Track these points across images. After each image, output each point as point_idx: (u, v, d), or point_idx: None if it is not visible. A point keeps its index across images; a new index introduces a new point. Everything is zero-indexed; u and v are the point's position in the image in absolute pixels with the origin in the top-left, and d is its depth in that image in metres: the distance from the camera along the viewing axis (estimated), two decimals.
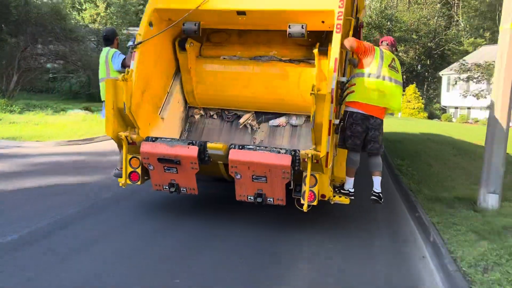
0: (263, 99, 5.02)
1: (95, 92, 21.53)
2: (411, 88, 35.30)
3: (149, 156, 3.97)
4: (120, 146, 4.17)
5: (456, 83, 16.43)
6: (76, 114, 14.17)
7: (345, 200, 4.10)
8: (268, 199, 3.92)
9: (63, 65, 23.40)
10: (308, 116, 4.84)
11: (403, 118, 28.89)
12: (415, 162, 8.38)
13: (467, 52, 41.41)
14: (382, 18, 40.50)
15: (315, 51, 4.51)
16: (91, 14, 27.29)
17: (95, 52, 24.49)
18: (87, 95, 21.65)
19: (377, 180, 4.27)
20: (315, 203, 3.77)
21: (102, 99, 4.69)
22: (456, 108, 35.86)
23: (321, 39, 4.76)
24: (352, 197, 4.17)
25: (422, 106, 35.22)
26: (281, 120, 5.15)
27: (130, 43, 4.30)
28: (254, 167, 3.78)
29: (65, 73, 21.34)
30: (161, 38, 4.51)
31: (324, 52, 4.51)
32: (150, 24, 4.34)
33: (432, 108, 38.55)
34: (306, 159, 3.65)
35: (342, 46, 3.94)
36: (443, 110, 37.68)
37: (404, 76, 50.86)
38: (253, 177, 3.83)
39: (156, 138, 4.09)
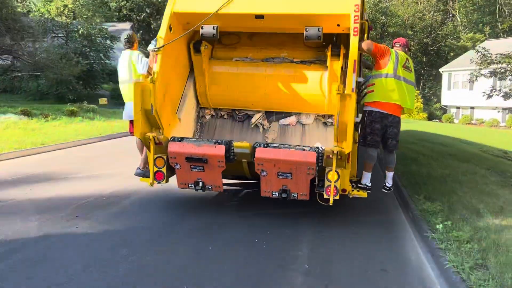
0: (275, 99, 5.67)
1: (63, 92, 21.73)
2: None
3: (177, 156, 4.48)
4: (147, 147, 4.68)
5: (476, 79, 14.93)
6: (4, 120, 12.45)
7: (363, 194, 4.68)
8: (292, 195, 4.46)
9: (12, 62, 23.20)
10: (317, 115, 5.70)
11: (403, 120, 27.58)
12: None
13: (465, 48, 42.74)
14: (376, 11, 41.93)
15: (328, 53, 5.21)
16: (57, 6, 27.32)
17: (64, 48, 24.61)
18: (54, 96, 21.76)
19: (390, 175, 5.09)
20: (337, 197, 4.33)
21: (125, 101, 5.32)
22: (458, 108, 35.38)
23: (332, 41, 5.42)
24: (369, 191, 4.82)
25: (421, 106, 35.23)
26: (291, 119, 5.79)
27: (152, 46, 4.82)
28: (280, 164, 4.32)
29: (31, 72, 21.32)
30: (177, 41, 5.03)
31: (336, 53, 5.22)
32: (170, 28, 4.85)
33: (432, 108, 38.83)
34: (331, 156, 4.18)
35: (360, 48, 4.53)
36: (444, 110, 37.61)
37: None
38: (279, 173, 4.37)
39: (182, 138, 4.61)
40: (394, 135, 4.91)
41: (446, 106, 37.07)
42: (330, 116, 5.64)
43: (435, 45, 45.42)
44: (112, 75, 25.64)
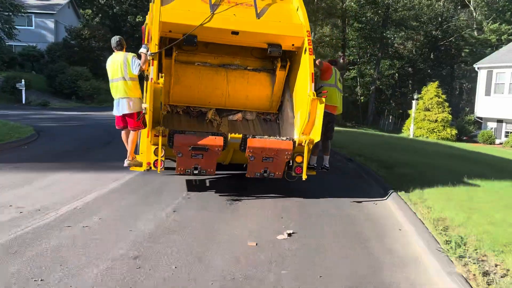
0: (229, 99, 6.96)
1: None
2: (432, 88, 25.88)
3: (181, 145, 5.38)
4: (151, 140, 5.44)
5: None
6: None
7: (313, 172, 6.44)
8: (270, 174, 5.86)
9: None
10: (258, 113, 7.25)
11: (424, 141, 20.50)
12: None
13: (488, 43, 35.94)
14: None
15: (278, 64, 6.77)
16: None
17: None
18: None
19: (327, 158, 6.98)
20: (304, 175, 5.85)
21: (116, 97, 5.94)
22: (500, 121, 24.59)
23: (278, 55, 6.65)
24: (315, 170, 6.64)
25: (450, 117, 25.31)
26: (238, 116, 7.17)
27: (143, 49, 5.57)
28: (266, 151, 5.64)
29: None
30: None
31: (283, 65, 6.81)
32: (161, 37, 5.73)
33: (461, 121, 27.85)
34: (303, 144, 5.73)
35: (315, 65, 6.21)
36: (478, 123, 26.75)
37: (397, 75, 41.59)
38: (263, 158, 5.69)
39: (183, 131, 5.60)
40: (332, 128, 6.93)
41: (480, 118, 26.12)
42: (268, 114, 7.31)
43: (447, 38, 39.13)
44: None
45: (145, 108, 5.45)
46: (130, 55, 5.90)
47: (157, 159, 5.48)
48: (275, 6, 6.50)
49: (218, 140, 5.51)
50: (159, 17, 5.68)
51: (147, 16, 6.55)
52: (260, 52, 6.88)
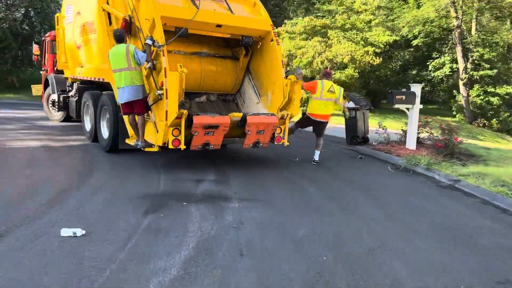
0: (200, 83, 7.82)
1: None
2: None
3: (198, 125, 6.26)
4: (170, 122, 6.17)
5: None
6: None
7: (287, 143, 7.79)
8: (260, 144, 7.16)
9: None
10: (220, 94, 8.36)
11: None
12: None
13: None
14: None
15: (243, 52, 7.99)
16: None
17: None
18: None
19: (317, 153, 8.36)
20: (281, 142, 7.58)
21: (121, 86, 6.54)
22: None
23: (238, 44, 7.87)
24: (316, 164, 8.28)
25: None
26: (203, 98, 8.16)
27: (149, 41, 6.21)
28: (260, 125, 6.88)
29: None
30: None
31: (246, 54, 8.04)
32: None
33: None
34: (284, 117, 7.31)
35: (302, 87, 7.71)
36: None
37: None
38: (257, 131, 6.91)
39: (198, 113, 6.59)
40: (322, 130, 8.38)
41: None
42: (227, 95, 8.44)
43: None
44: None
45: (160, 94, 6.20)
46: (132, 47, 6.48)
47: (175, 138, 6.32)
48: (243, 2, 7.94)
49: (226, 119, 6.51)
50: (160, 11, 6.48)
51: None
52: (222, 41, 8.24)
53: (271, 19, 7.84)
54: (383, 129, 10.56)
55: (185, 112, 6.14)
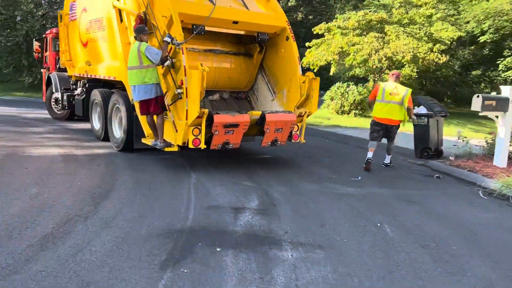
0: (214, 80, 7.49)
1: None
2: None
3: (218, 124, 6.07)
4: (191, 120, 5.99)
5: None
6: None
7: (303, 140, 7.57)
8: (278, 142, 6.96)
9: None
10: (232, 92, 8.20)
11: None
12: None
13: None
14: None
15: (257, 49, 7.87)
16: None
17: None
18: None
19: (389, 157, 8.18)
20: (298, 140, 7.40)
21: (134, 84, 6.34)
22: None
23: (253, 41, 7.80)
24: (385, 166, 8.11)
25: None
26: (216, 96, 8.00)
27: (168, 39, 6.00)
28: (279, 123, 6.72)
29: None
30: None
31: (261, 51, 7.89)
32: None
33: None
34: (302, 114, 7.12)
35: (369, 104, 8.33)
36: None
37: None
38: (275, 130, 6.73)
39: (218, 112, 6.33)
40: (389, 133, 7.96)
41: None
42: (239, 92, 8.28)
43: None
44: None
45: (180, 93, 6.05)
46: (144, 45, 6.18)
47: (195, 138, 6.12)
48: None
49: (246, 117, 6.38)
50: (178, 8, 6.33)
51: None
52: (234, 37, 8.02)
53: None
54: (463, 140, 8.74)
55: (206, 111, 5.97)
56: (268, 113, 6.71)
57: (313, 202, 5.57)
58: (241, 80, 8.08)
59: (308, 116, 7.30)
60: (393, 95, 7.58)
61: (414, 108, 8.66)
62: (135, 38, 6.36)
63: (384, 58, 15.90)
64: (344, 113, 17.34)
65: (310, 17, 41.94)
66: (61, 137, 9.49)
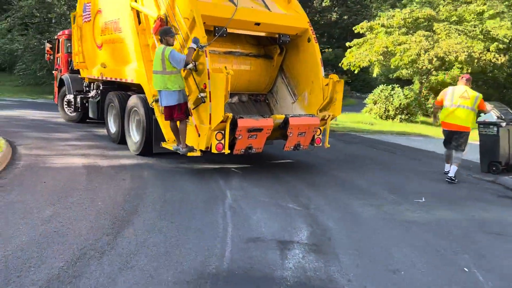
0: (234, 83, 6.74)
1: None
2: None
3: (242, 129, 5.91)
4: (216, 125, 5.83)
5: None
6: None
7: (327, 145, 7.29)
8: (301, 147, 6.75)
9: None
10: (251, 94, 7.99)
11: None
12: None
13: None
14: None
15: (277, 51, 7.70)
16: None
17: None
18: None
19: (454, 169, 7.20)
20: (320, 144, 7.14)
21: (158, 89, 6.13)
22: None
23: (273, 43, 7.79)
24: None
25: None
26: (235, 98, 7.72)
27: (194, 45, 5.77)
28: (302, 127, 6.49)
29: None
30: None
31: (281, 53, 7.71)
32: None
33: None
34: (326, 118, 6.85)
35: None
36: None
37: None
38: (298, 134, 6.52)
39: (241, 116, 6.10)
40: (456, 141, 7.28)
41: None
42: (258, 95, 8.07)
43: None
44: None
45: (203, 97, 5.89)
46: (168, 50, 5.92)
47: (218, 142, 5.94)
48: None
49: (269, 121, 6.20)
50: (200, 10, 6.15)
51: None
52: (253, 39, 7.84)
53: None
54: None
55: (230, 115, 5.83)
56: (291, 116, 6.54)
57: (375, 233, 4.59)
58: (261, 83, 7.92)
59: (332, 119, 7.08)
60: (463, 99, 7.13)
61: (481, 115, 7.59)
62: (160, 41, 6.07)
63: (435, 59, 14.56)
64: (389, 118, 16.10)
65: (345, 17, 40.79)
66: (87, 144, 8.87)
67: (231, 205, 5.23)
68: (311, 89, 7.27)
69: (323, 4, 42.91)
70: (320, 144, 7.14)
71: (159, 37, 6.12)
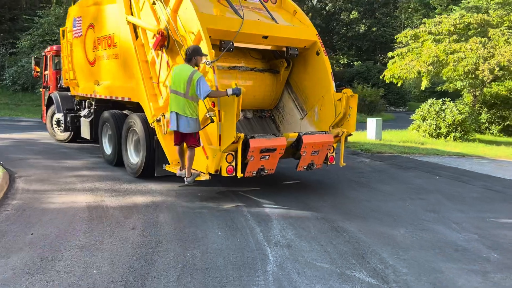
0: (244, 100, 5.82)
1: None
2: None
3: (255, 150, 5.47)
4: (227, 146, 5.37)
5: None
6: None
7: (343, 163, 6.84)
8: (314, 166, 6.41)
9: None
10: (256, 111, 7.62)
11: None
12: None
13: None
14: None
15: (284, 65, 7.39)
16: None
17: None
18: None
19: None
20: (334, 163, 6.78)
21: (173, 110, 5.55)
22: None
23: (274, 57, 7.63)
24: None
25: None
26: (240, 116, 6.33)
27: (230, 91, 5.20)
28: (316, 145, 6.22)
29: None
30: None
31: (288, 67, 7.40)
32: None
33: None
34: (340, 135, 6.55)
35: None
36: None
37: None
38: (312, 152, 6.24)
39: (253, 136, 5.63)
40: None
41: None
42: (263, 111, 7.72)
43: None
44: None
45: (211, 116, 5.47)
46: (198, 75, 5.39)
47: (229, 165, 5.51)
48: (280, 11, 7.39)
49: (282, 140, 5.80)
50: (205, 23, 5.79)
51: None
52: (257, 53, 7.51)
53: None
54: None
55: (242, 135, 5.40)
56: (304, 134, 6.20)
57: None
58: (266, 98, 7.60)
59: (347, 136, 6.65)
60: None
61: None
62: (188, 60, 5.53)
63: (498, 68, 12.76)
64: (440, 136, 14.29)
65: (374, 29, 39.30)
66: (98, 175, 7.61)
67: (275, 273, 3.76)
68: (321, 104, 6.96)
69: (351, 17, 41.67)
70: (333, 163, 6.74)
71: (187, 56, 5.53)
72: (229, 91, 5.20)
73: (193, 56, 5.50)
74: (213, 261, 4.01)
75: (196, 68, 5.56)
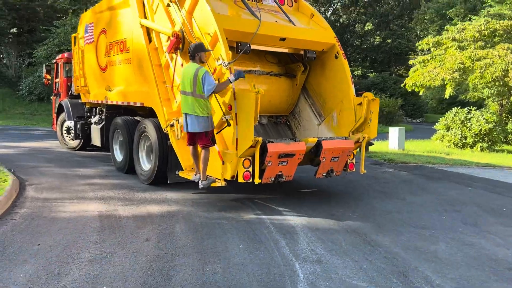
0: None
1: None
2: None
3: (273, 155, 5.27)
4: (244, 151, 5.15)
5: None
6: None
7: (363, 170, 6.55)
8: (334, 173, 6.19)
9: None
10: (271, 116, 7.42)
11: None
12: None
13: None
14: None
15: (301, 69, 7.19)
16: None
17: None
18: None
19: None
20: (354, 170, 6.50)
21: (185, 111, 5.38)
22: None
23: (290, 61, 7.42)
24: None
25: None
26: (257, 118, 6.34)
27: (232, 77, 5.16)
28: (336, 151, 5.98)
29: None
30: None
31: (304, 71, 7.20)
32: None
33: None
34: (360, 141, 6.27)
35: None
36: None
37: None
38: (332, 158, 6.01)
39: (271, 140, 5.42)
40: None
41: None
42: (278, 116, 7.50)
43: None
44: None
45: (228, 119, 5.28)
46: (202, 71, 5.23)
47: (246, 171, 5.29)
48: (297, 14, 7.15)
49: (301, 145, 5.58)
50: (222, 24, 5.60)
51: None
52: (273, 57, 7.31)
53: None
54: None
55: (260, 139, 5.15)
56: (324, 139, 5.96)
57: None
58: (282, 103, 7.35)
59: (367, 142, 6.40)
60: None
61: None
62: (192, 58, 5.40)
63: None
64: (466, 147, 13.69)
65: (389, 40, 38.83)
66: (111, 183, 7.29)
67: None
68: (340, 109, 6.70)
69: (365, 28, 41.29)
70: (353, 170, 6.48)
71: (190, 54, 5.38)
72: (231, 77, 5.12)
73: (196, 52, 5.35)
74: (236, 278, 3.60)
75: (201, 64, 5.39)
